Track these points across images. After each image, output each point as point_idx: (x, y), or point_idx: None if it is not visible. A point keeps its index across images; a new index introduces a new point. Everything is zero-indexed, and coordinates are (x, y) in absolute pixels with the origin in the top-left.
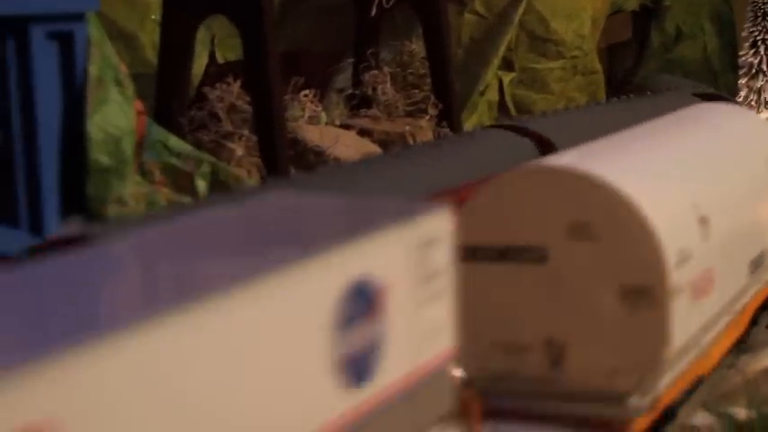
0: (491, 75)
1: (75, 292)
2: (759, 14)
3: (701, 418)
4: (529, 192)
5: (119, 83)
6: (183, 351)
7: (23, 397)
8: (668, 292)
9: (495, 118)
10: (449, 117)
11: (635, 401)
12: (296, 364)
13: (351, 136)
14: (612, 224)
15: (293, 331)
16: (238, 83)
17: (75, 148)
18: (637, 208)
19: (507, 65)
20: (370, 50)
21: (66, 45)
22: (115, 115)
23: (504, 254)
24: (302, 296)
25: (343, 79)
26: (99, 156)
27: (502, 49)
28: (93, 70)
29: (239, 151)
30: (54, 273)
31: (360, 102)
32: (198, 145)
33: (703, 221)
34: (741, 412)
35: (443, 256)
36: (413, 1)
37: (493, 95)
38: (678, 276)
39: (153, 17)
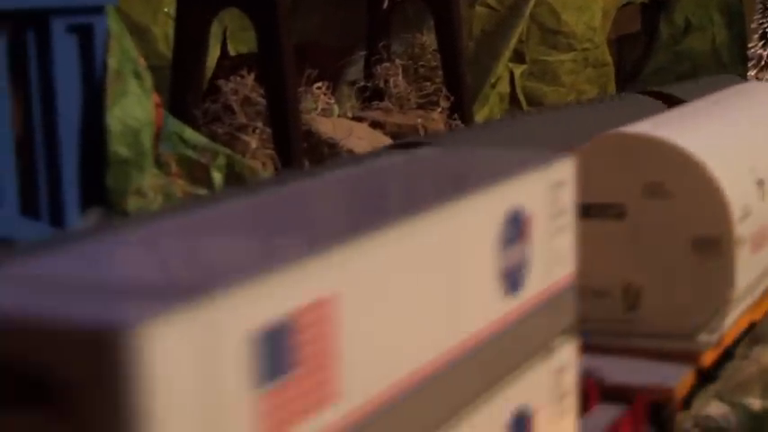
0: (502, 67)
1: (320, 207)
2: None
3: (715, 408)
4: (611, 156)
5: (137, 75)
6: (409, 254)
7: (316, 273)
8: (734, 242)
9: (506, 110)
10: (460, 109)
11: (704, 337)
12: (475, 272)
13: (364, 128)
14: (685, 183)
15: (474, 247)
16: (252, 75)
17: (95, 140)
18: (706, 169)
19: (518, 57)
20: (381, 43)
21: (86, 38)
22: (134, 107)
23: (587, 210)
24: (479, 220)
25: (355, 72)
26: (118, 148)
27: (513, 42)
28: (112, 63)
29: (253, 143)
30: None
31: (371, 94)
32: (212, 137)
33: (760, 183)
34: (756, 402)
35: (568, 196)
36: None
37: (504, 88)
38: (741, 229)
39: (165, 10)
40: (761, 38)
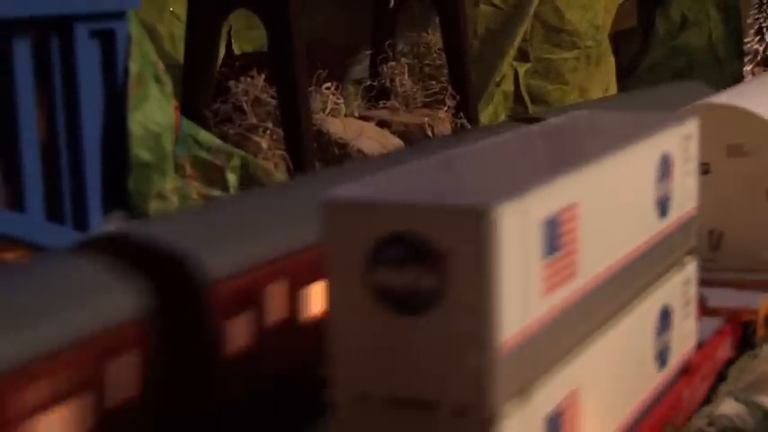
0: (507, 66)
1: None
2: (764, 1)
3: (729, 407)
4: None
5: (158, 80)
6: (610, 181)
7: (569, 186)
8: None
9: (511, 108)
10: (466, 108)
11: None
12: (645, 198)
13: (373, 128)
14: (760, 143)
15: (644, 179)
16: (263, 76)
17: (117, 144)
18: None
19: (522, 56)
20: (387, 42)
21: (108, 43)
22: (155, 112)
23: None
24: (647, 160)
25: (360, 70)
26: (140, 152)
27: (518, 41)
28: (133, 68)
29: (264, 144)
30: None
31: (378, 93)
32: (223, 138)
33: None
34: None
35: (693, 147)
36: None
37: (508, 86)
38: None
39: (171, 9)
40: (757, 33)
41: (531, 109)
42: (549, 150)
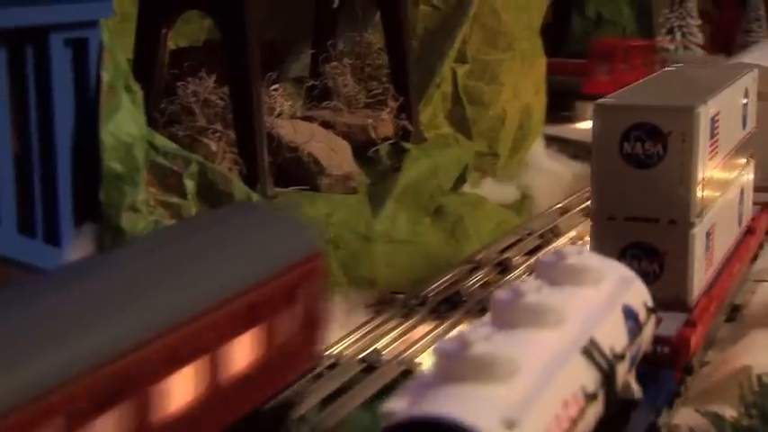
0: (447, 67)
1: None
2: (676, 2)
3: (687, 417)
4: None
5: (129, 89)
6: (730, 102)
7: (717, 102)
8: None
9: (448, 110)
10: (408, 109)
11: None
12: (739, 115)
13: (323, 132)
14: None
15: (739, 103)
16: (213, 77)
17: (89, 155)
18: None
19: (461, 57)
20: (329, 42)
21: (81, 52)
22: (127, 122)
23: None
24: (740, 91)
25: (297, 68)
26: (112, 163)
27: (458, 42)
28: (105, 76)
29: (214, 147)
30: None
31: (319, 93)
32: (173, 140)
33: None
34: (728, 411)
35: (754, 87)
36: None
37: (447, 87)
38: None
39: None
40: (668, 32)
41: (468, 110)
42: (695, 83)
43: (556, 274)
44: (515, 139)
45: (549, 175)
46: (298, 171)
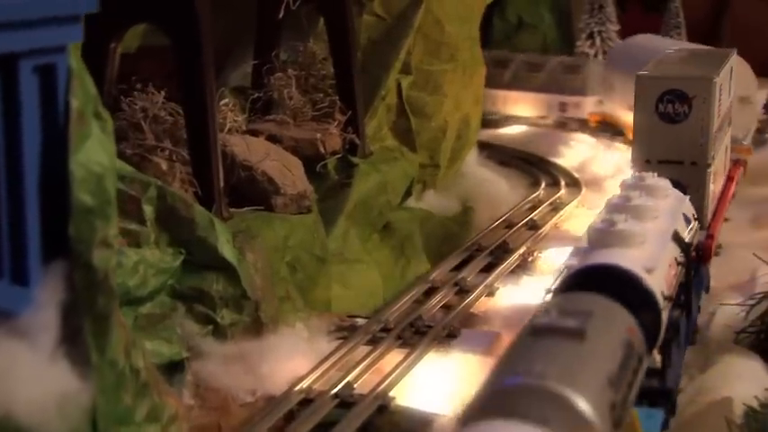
0: (392, 79)
1: None
2: (595, 7)
3: None
4: None
5: (99, 116)
6: (725, 77)
7: (720, 75)
8: None
9: (393, 122)
10: (355, 122)
11: None
12: (729, 87)
13: (277, 149)
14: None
15: (729, 78)
16: (162, 93)
17: (57, 187)
18: None
19: (405, 68)
20: (273, 52)
21: (49, 78)
22: (97, 151)
23: None
24: (729, 69)
25: (237, 77)
26: (82, 195)
27: (403, 53)
28: (74, 103)
29: (164, 165)
30: None
31: (263, 105)
32: (120, 159)
33: None
34: None
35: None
36: (319, 3)
37: (392, 99)
38: None
39: None
40: (588, 37)
41: (413, 122)
42: (703, 60)
43: (639, 189)
44: (453, 149)
45: (485, 184)
46: (251, 191)
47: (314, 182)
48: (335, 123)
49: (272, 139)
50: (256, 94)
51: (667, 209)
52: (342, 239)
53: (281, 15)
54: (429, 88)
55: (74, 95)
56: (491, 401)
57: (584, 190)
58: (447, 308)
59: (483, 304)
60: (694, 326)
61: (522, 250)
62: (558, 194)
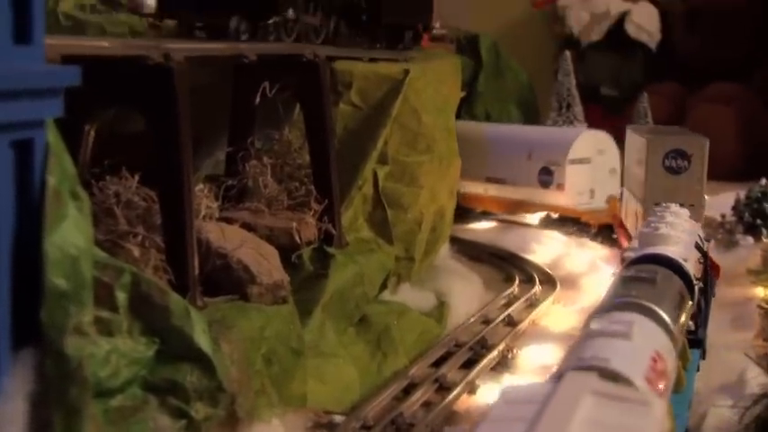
0: (369, 169)
1: None
2: (563, 105)
3: None
4: None
5: (76, 196)
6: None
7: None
8: None
9: (369, 212)
10: (330, 212)
11: None
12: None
13: (252, 237)
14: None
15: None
16: (136, 178)
17: (31, 269)
18: None
19: (381, 158)
20: (249, 139)
21: (25, 154)
22: (73, 232)
23: None
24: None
25: (209, 165)
26: (56, 279)
27: (380, 143)
28: (51, 181)
29: (137, 252)
30: None
31: (237, 193)
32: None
33: None
34: None
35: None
36: (295, 90)
37: (368, 189)
38: None
39: None
40: None
41: (389, 213)
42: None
43: (669, 213)
44: (428, 241)
45: (459, 278)
46: (226, 279)
47: (289, 272)
48: (311, 213)
49: (247, 227)
50: (231, 182)
51: (688, 227)
52: (318, 332)
53: (257, 102)
54: (405, 179)
55: (51, 173)
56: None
57: (558, 287)
58: (428, 405)
59: (464, 402)
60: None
61: (501, 347)
62: (533, 291)
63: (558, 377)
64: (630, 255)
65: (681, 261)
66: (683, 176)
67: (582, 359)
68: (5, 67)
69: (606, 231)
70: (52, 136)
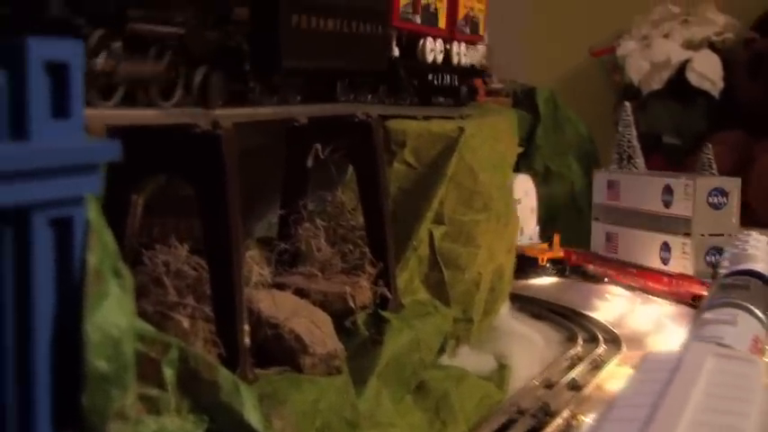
0: (424, 229)
1: None
2: (624, 157)
3: None
4: None
5: (117, 273)
6: None
7: None
8: None
9: (425, 274)
10: (386, 275)
11: None
12: None
13: (305, 305)
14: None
15: None
16: (186, 247)
17: (71, 351)
18: None
19: (437, 217)
20: (302, 202)
21: (65, 232)
22: (114, 313)
23: None
24: None
25: (261, 228)
26: (97, 361)
27: (435, 203)
28: (91, 260)
29: (186, 324)
30: None
31: (290, 257)
32: (141, 317)
33: None
34: None
35: None
36: (348, 151)
37: (424, 250)
38: None
39: None
40: None
41: (446, 274)
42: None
43: (750, 238)
44: (487, 302)
45: (520, 339)
46: (278, 350)
47: (343, 338)
48: (366, 276)
49: (300, 292)
50: (283, 246)
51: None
52: (373, 401)
53: (310, 165)
54: (462, 239)
55: (91, 251)
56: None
57: (624, 347)
58: None
59: None
60: None
61: (565, 414)
62: (598, 351)
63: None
64: (724, 271)
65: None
66: (723, 211)
67: (701, 336)
68: (44, 144)
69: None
70: (92, 212)
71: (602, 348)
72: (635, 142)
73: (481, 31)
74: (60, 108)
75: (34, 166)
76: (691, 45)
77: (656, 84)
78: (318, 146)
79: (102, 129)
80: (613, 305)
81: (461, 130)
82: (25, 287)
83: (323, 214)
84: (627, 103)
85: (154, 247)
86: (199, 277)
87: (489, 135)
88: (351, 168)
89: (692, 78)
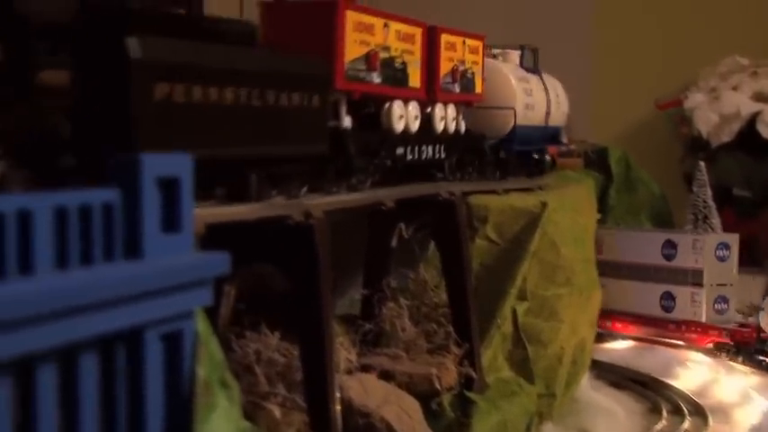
0: (508, 307)
1: None
2: (699, 217)
3: None
4: None
5: (224, 384)
6: None
7: None
8: None
9: (509, 351)
10: (470, 354)
11: None
12: None
13: (393, 390)
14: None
15: None
16: (277, 335)
17: None
18: None
19: (520, 294)
20: (385, 281)
21: (175, 345)
22: (223, 424)
23: None
24: None
25: (344, 305)
26: None
27: (519, 279)
28: (201, 372)
29: (277, 413)
30: None
31: (373, 337)
32: None
33: None
34: None
35: None
36: (431, 229)
37: (507, 328)
38: None
39: None
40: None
41: (530, 350)
42: None
43: None
44: (569, 374)
45: (602, 412)
46: None
47: (429, 420)
48: (451, 356)
49: (386, 374)
50: (368, 326)
51: None
52: None
53: (394, 244)
54: (545, 314)
55: (200, 364)
56: None
57: (710, 420)
58: None
59: None
60: None
61: None
62: (684, 426)
63: None
64: None
65: None
66: (727, 263)
67: None
68: (157, 262)
69: None
70: (201, 324)
71: (687, 422)
72: (710, 202)
73: (478, 89)
74: (171, 222)
75: (149, 287)
76: (761, 97)
77: (726, 136)
78: (402, 225)
79: (203, 227)
80: (695, 373)
81: (544, 205)
82: (138, 402)
83: (405, 292)
84: (702, 163)
85: (245, 335)
86: (288, 364)
87: (570, 207)
88: (431, 245)
89: (763, 130)
